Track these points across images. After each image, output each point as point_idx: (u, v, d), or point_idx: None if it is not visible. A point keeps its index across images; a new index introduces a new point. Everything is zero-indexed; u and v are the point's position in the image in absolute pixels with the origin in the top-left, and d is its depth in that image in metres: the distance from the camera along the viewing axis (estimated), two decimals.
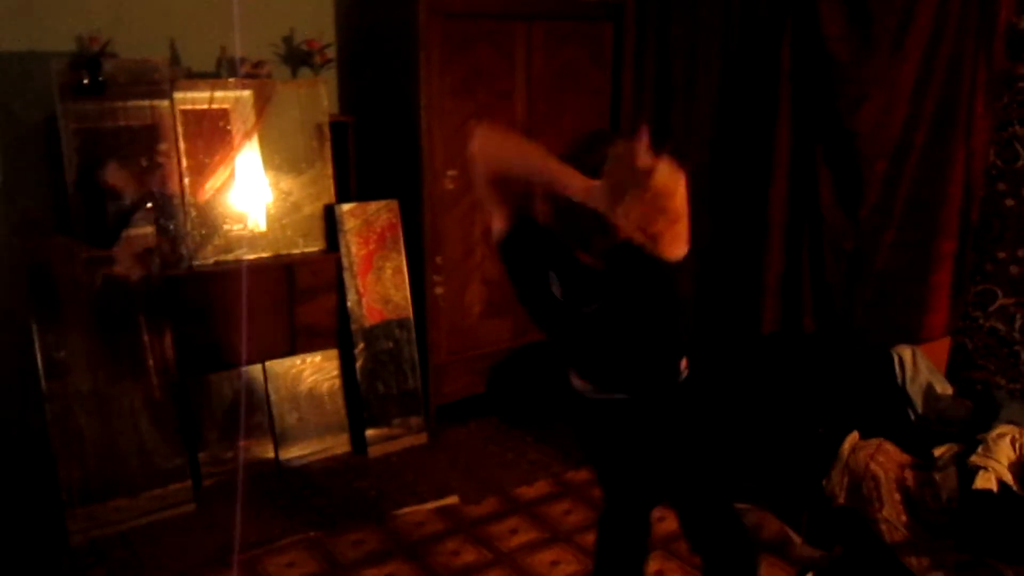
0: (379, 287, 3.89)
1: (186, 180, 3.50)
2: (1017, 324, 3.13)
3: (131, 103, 3.31)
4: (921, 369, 3.08)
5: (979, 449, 2.65)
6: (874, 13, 3.17)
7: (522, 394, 4.32)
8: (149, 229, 3.33)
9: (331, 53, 3.85)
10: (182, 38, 3.66)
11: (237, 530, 3.11)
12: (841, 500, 2.89)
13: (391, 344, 3.92)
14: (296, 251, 3.76)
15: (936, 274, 3.19)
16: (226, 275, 3.54)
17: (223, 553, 3.03)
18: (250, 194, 3.66)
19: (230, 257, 3.61)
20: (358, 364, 3.83)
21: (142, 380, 3.28)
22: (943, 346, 3.26)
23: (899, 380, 3.04)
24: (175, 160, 3.45)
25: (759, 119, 3.62)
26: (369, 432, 3.85)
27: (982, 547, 2.53)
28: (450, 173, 3.88)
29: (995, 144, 3.10)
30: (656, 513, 3.29)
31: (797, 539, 3.10)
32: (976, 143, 3.09)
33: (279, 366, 3.72)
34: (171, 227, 3.45)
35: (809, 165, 3.47)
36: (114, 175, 3.16)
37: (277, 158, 3.70)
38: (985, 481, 2.56)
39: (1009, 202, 3.10)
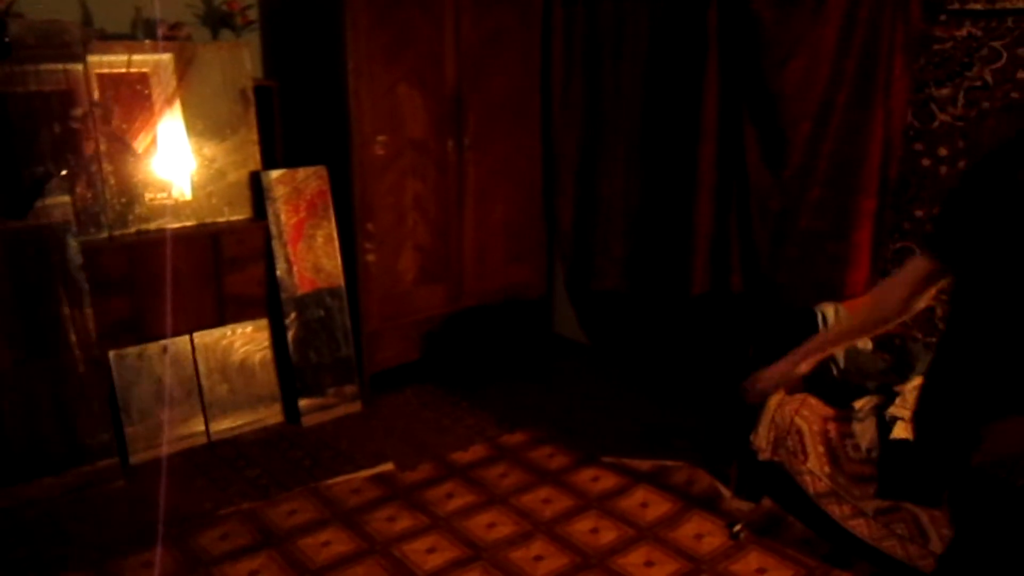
0: (311, 255, 3.83)
1: (104, 147, 3.38)
2: None
3: (42, 67, 3.17)
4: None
5: (896, 400, 2.75)
6: None
7: (458, 359, 4.32)
8: (65, 198, 3.20)
9: (253, 15, 3.74)
10: None
11: (161, 505, 3.05)
12: (768, 454, 2.98)
13: (323, 313, 3.87)
14: (222, 219, 3.67)
15: (857, 232, 3.27)
16: (149, 245, 3.44)
17: (153, 528, 2.98)
18: (172, 161, 3.55)
19: (152, 226, 3.51)
20: (290, 334, 3.78)
21: (64, 355, 3.18)
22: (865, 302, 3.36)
23: None
24: (91, 126, 3.32)
25: (687, 80, 3.65)
26: (302, 402, 3.81)
27: (899, 493, 2.63)
28: (380, 139, 3.83)
29: (912, 105, 3.18)
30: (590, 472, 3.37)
31: (727, 493, 3.19)
32: (894, 104, 3.16)
33: (208, 337, 3.64)
34: (89, 196, 3.33)
35: (736, 126, 3.51)
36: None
37: (200, 124, 3.59)
38: (902, 431, 2.65)
39: (925, 161, 3.19)
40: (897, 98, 3.16)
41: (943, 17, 3.06)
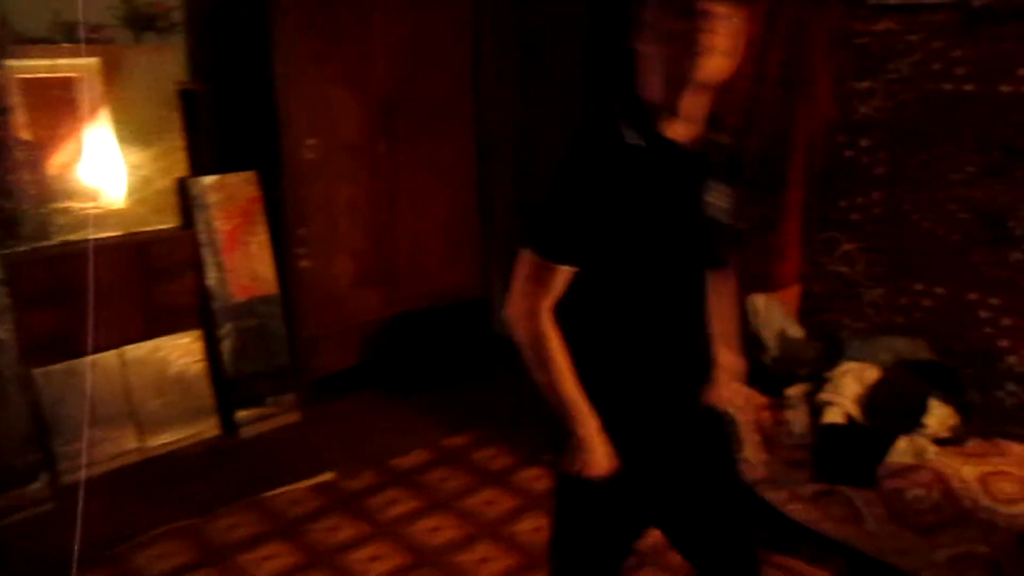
0: (247, 263, 3.76)
1: (25, 154, 3.25)
2: (859, 267, 3.32)
3: None
4: (774, 315, 3.23)
5: (826, 386, 2.81)
6: None
7: (398, 362, 4.29)
8: None
9: (178, 16, 3.65)
10: (12, 1, 3.38)
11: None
12: None
13: (258, 321, 3.80)
14: (149, 228, 3.58)
15: (786, 223, 3.34)
16: (73, 257, 3.33)
17: (87, 551, 2.87)
18: (98, 169, 3.44)
19: (77, 237, 3.40)
20: (225, 344, 3.70)
21: None
22: (795, 292, 3.43)
23: (753, 327, 3.18)
24: (11, 133, 3.19)
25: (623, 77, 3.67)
26: (240, 413, 3.74)
27: (834, 476, 2.69)
28: (311, 142, 3.77)
29: (834, 98, 3.25)
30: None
31: None
32: (817, 97, 3.23)
33: (138, 351, 3.54)
34: (8, 206, 3.20)
35: None
36: None
37: (126, 130, 3.50)
38: (833, 415, 2.71)
39: (848, 153, 3.27)
40: (819, 91, 3.24)
41: (862, 12, 3.14)
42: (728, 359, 1.89)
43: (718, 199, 1.69)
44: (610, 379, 1.72)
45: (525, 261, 1.67)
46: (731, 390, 1.89)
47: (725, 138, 1.71)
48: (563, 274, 1.65)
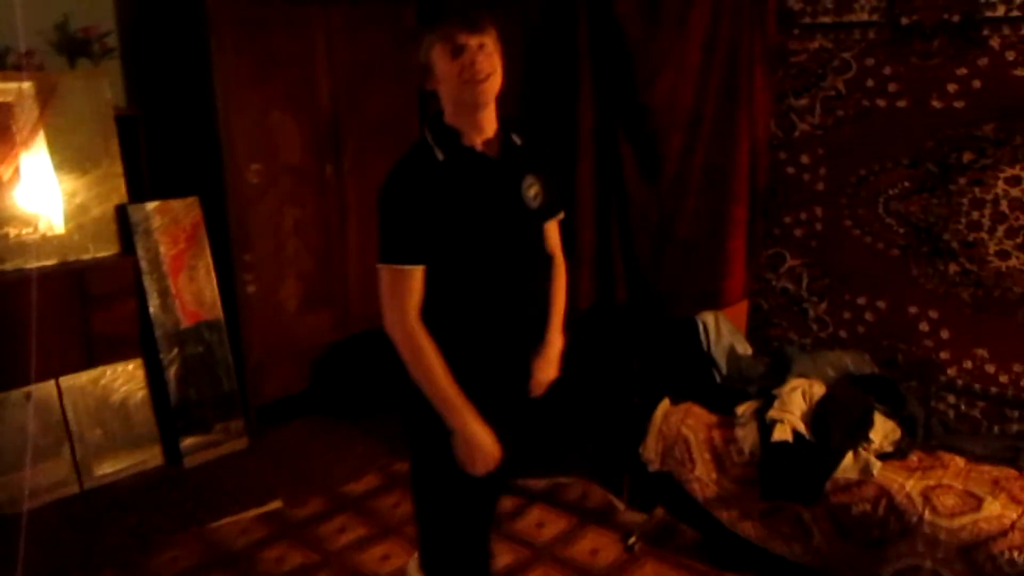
0: (193, 287, 3.69)
1: None
2: (804, 283, 3.35)
3: None
4: (723, 332, 3.23)
5: (775, 403, 2.81)
6: None
7: (348, 386, 4.22)
8: None
9: (112, 41, 3.58)
10: None
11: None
12: (657, 464, 3.00)
13: (203, 348, 3.72)
14: (87, 256, 3.49)
15: (732, 240, 3.36)
16: (6, 286, 3.24)
17: None
18: (31, 196, 3.36)
19: (9, 267, 3.30)
20: (170, 371, 3.62)
21: None
22: (742, 309, 3.44)
23: (704, 345, 3.18)
24: None
25: (563, 96, 3.68)
26: (185, 441, 3.65)
27: (782, 493, 2.69)
28: (254, 167, 3.72)
29: (774, 115, 3.29)
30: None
31: (620, 505, 3.21)
32: (757, 114, 3.26)
33: (75, 380, 3.44)
34: None
35: (612, 140, 3.56)
36: None
37: (60, 156, 3.42)
38: (781, 433, 2.71)
39: (790, 170, 3.30)
40: (760, 109, 3.27)
41: (796, 31, 3.18)
42: (551, 338, 2.15)
43: (530, 189, 2.00)
44: (466, 356, 1.95)
45: (383, 274, 1.91)
46: (543, 372, 2.14)
47: (518, 137, 2.04)
48: (416, 274, 1.89)
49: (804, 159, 3.26)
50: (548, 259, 2.14)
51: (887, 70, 2.99)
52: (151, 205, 3.59)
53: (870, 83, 3.04)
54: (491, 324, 1.98)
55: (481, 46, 1.87)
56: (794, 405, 2.80)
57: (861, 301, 3.20)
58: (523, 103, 3.88)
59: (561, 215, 2.20)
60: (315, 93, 3.86)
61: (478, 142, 1.95)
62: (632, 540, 2.98)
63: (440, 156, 1.92)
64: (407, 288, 1.89)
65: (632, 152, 3.53)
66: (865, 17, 3.00)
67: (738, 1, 3.18)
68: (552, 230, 2.16)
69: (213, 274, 3.73)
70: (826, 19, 3.08)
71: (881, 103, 3.02)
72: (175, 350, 3.64)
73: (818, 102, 3.17)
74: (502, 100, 1.94)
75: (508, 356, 2.04)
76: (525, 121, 3.87)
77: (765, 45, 3.19)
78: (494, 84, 1.89)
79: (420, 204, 1.88)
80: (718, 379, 3.15)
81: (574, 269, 3.76)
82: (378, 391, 4.26)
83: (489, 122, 1.95)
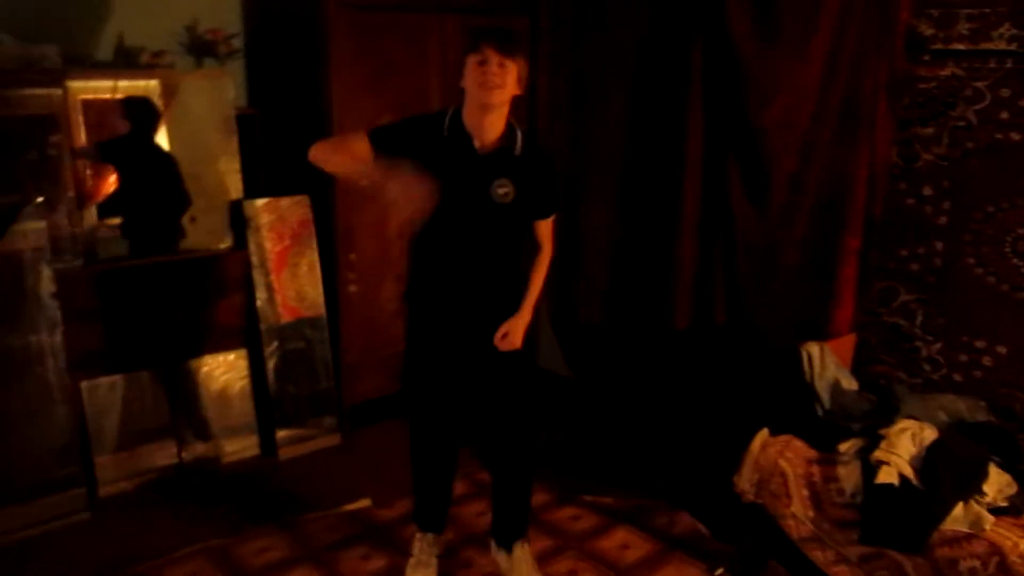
0: (295, 284, 3.79)
1: (85, 173, 3.33)
2: (917, 320, 3.21)
3: (21, 92, 3.12)
4: (828, 365, 3.12)
5: (881, 444, 2.69)
6: (780, 12, 3.21)
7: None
8: (40, 225, 3.15)
9: (236, 43, 3.72)
10: (77, 25, 3.49)
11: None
12: (751, 496, 2.91)
13: (303, 343, 3.82)
14: (203, 248, 3.63)
15: (842, 270, 3.24)
16: (126, 273, 3.39)
17: (117, 564, 2.90)
18: (153, 189, 3.51)
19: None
20: (269, 364, 3.72)
21: (33, 384, 3.11)
22: (849, 342, 3.32)
23: (807, 376, 3.08)
24: (70, 152, 3.28)
25: (672, 116, 3.63)
26: (280, 434, 3.75)
27: (883, 540, 2.57)
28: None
29: (896, 144, 3.16)
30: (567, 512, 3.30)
31: (708, 535, 3.12)
32: (879, 142, 3.14)
33: (184, 367, 3.58)
34: (65, 223, 3.28)
35: (720, 162, 3.49)
36: None
37: (183, 152, 3.56)
38: (887, 475, 2.59)
39: (910, 201, 3.17)
40: (881, 137, 3.15)
41: (926, 57, 3.06)
42: (522, 310, 2.67)
43: (501, 188, 2.51)
44: (426, 278, 2.68)
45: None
46: (506, 328, 2.63)
47: (516, 149, 2.54)
48: (362, 144, 2.48)
49: (926, 191, 3.12)
50: (510, 245, 2.64)
51: None
52: (260, 202, 3.70)
53: (1004, 115, 2.89)
54: (439, 271, 2.63)
55: (501, 64, 2.38)
56: (902, 448, 2.67)
57: (980, 344, 3.04)
58: (632, 120, 3.86)
59: (552, 216, 2.69)
60: (426, 100, 3.90)
61: (477, 139, 2.49)
62: (719, 572, 2.91)
63: (444, 132, 2.50)
64: (350, 142, 2.53)
65: (740, 175, 3.45)
66: (1003, 46, 2.85)
67: (864, 25, 3.08)
68: (542, 226, 2.68)
69: (318, 272, 3.82)
70: (960, 46, 2.94)
71: (1015, 136, 2.87)
72: (275, 344, 3.74)
73: (946, 132, 3.03)
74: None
75: (455, 299, 2.64)
76: (632, 138, 3.87)
77: (891, 71, 3.07)
78: (501, 95, 2.42)
79: (410, 137, 2.51)
80: (820, 413, 3.04)
81: (670, 290, 3.73)
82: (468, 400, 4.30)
83: (493, 128, 2.49)
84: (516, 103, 2.56)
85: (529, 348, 2.86)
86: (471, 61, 2.42)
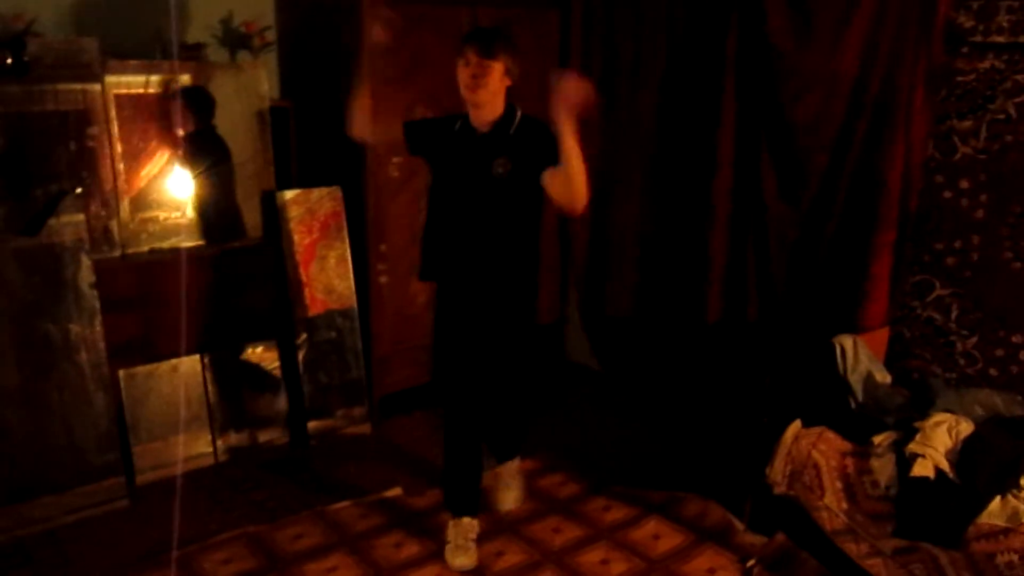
0: (323, 276, 3.81)
1: (120, 166, 3.38)
2: (953, 314, 3.19)
3: (60, 86, 3.17)
4: (861, 358, 3.11)
5: (916, 437, 2.69)
6: (815, 5, 3.19)
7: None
8: (79, 217, 3.19)
9: (270, 36, 3.74)
10: (113, 18, 3.52)
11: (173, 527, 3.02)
12: (783, 488, 2.92)
13: (334, 334, 3.85)
14: (235, 239, 3.66)
15: (876, 264, 3.23)
16: (161, 264, 3.44)
17: (156, 550, 2.95)
18: (187, 181, 3.54)
19: (165, 245, 3.51)
20: (300, 355, 3.76)
21: (72, 373, 3.16)
22: (882, 336, 3.30)
23: (840, 369, 3.07)
24: (107, 145, 3.32)
25: (704, 109, 3.63)
26: (311, 424, 3.78)
27: (918, 533, 2.56)
28: (395, 160, 3.81)
29: (933, 137, 3.14)
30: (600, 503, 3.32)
31: (740, 527, 3.13)
32: (915, 136, 3.12)
33: (217, 357, 3.62)
34: (103, 214, 3.33)
35: (753, 155, 3.49)
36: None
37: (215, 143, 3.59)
38: (922, 468, 2.59)
39: (947, 194, 3.15)
40: (918, 130, 3.13)
41: (965, 49, 3.03)
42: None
43: (498, 166, 2.75)
44: (438, 255, 2.94)
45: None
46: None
47: (512, 128, 2.79)
48: (397, 128, 3.01)
49: (963, 184, 3.10)
50: (513, 218, 2.83)
51: None
52: (289, 194, 3.73)
53: None
54: (450, 248, 2.88)
55: (482, 65, 2.67)
56: (938, 441, 2.66)
57: (1016, 339, 3.02)
58: (664, 112, 3.85)
59: (550, 167, 2.69)
60: (456, 92, 3.88)
61: (477, 128, 2.80)
62: (751, 563, 2.91)
63: (456, 126, 2.85)
64: (393, 129, 3.02)
65: (774, 168, 3.45)
66: None
67: (902, 18, 3.05)
68: (551, 173, 2.69)
69: (349, 263, 3.85)
70: (1000, 38, 2.92)
71: None
72: (305, 335, 3.77)
73: (984, 125, 3.01)
74: None
75: (463, 273, 2.88)
76: (664, 130, 3.86)
77: (929, 64, 3.05)
78: (484, 94, 2.70)
79: (429, 133, 2.95)
80: (853, 406, 3.04)
81: (702, 283, 3.73)
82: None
83: (487, 117, 2.78)
84: (513, 93, 2.80)
85: (528, 316, 3.08)
86: (459, 63, 2.72)
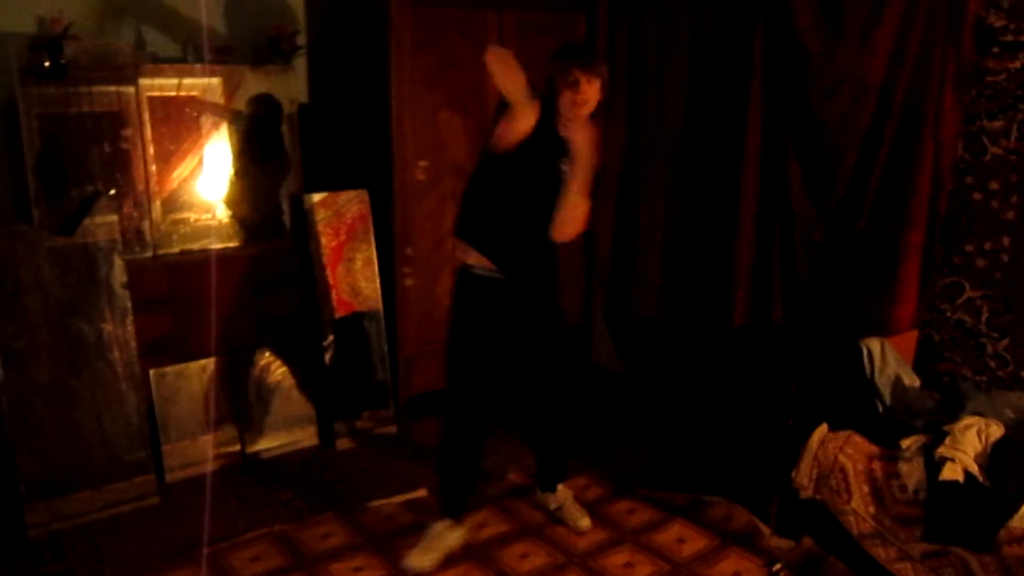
0: (349, 278, 3.84)
1: (152, 168, 3.44)
2: (983, 317, 3.15)
3: (95, 88, 3.24)
4: (889, 361, 3.08)
5: (946, 440, 2.65)
6: (844, 4, 3.18)
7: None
8: (112, 217, 3.25)
9: (300, 40, 3.79)
10: (148, 22, 3.59)
11: (203, 524, 3.06)
12: (810, 492, 2.89)
13: (361, 336, 3.87)
14: (263, 241, 3.70)
15: (904, 266, 3.20)
16: (192, 265, 3.49)
17: (186, 547, 2.99)
18: (217, 183, 3.59)
19: (196, 246, 3.56)
20: (327, 356, 3.79)
21: (104, 371, 3.21)
22: (911, 338, 3.27)
23: (868, 372, 3.04)
24: (140, 147, 3.38)
25: (730, 109, 3.61)
26: (337, 425, 3.81)
27: (948, 537, 2.53)
28: (421, 164, 3.84)
29: (963, 138, 3.11)
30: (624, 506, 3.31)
31: (766, 530, 3.11)
32: (945, 136, 3.09)
33: (245, 358, 3.66)
34: (135, 215, 3.38)
35: (780, 156, 3.47)
36: None
37: (242, 146, 3.64)
38: (952, 472, 2.56)
39: (977, 195, 3.12)
40: (947, 131, 3.10)
41: (996, 49, 3.00)
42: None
43: (563, 164, 2.82)
44: (491, 236, 2.89)
45: None
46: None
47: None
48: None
49: (993, 185, 3.06)
50: (551, 212, 2.85)
51: None
52: (317, 197, 3.76)
53: None
54: (505, 219, 2.88)
55: (589, 82, 2.71)
56: (968, 444, 2.63)
57: None
58: (690, 113, 3.85)
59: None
60: (484, 95, 3.94)
61: (565, 132, 2.80)
62: (777, 567, 2.89)
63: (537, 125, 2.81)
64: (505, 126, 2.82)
65: (801, 169, 3.43)
66: None
67: (931, 17, 3.03)
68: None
69: (375, 266, 3.88)
70: None
71: None
72: (332, 337, 3.80)
73: (1015, 126, 2.97)
74: None
75: (516, 250, 2.90)
76: (690, 131, 3.87)
77: (959, 64, 3.02)
78: (589, 109, 2.77)
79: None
80: (881, 409, 3.00)
81: (727, 285, 3.71)
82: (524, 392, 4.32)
83: (580, 124, 2.80)
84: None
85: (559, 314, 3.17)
86: (560, 82, 2.71)
